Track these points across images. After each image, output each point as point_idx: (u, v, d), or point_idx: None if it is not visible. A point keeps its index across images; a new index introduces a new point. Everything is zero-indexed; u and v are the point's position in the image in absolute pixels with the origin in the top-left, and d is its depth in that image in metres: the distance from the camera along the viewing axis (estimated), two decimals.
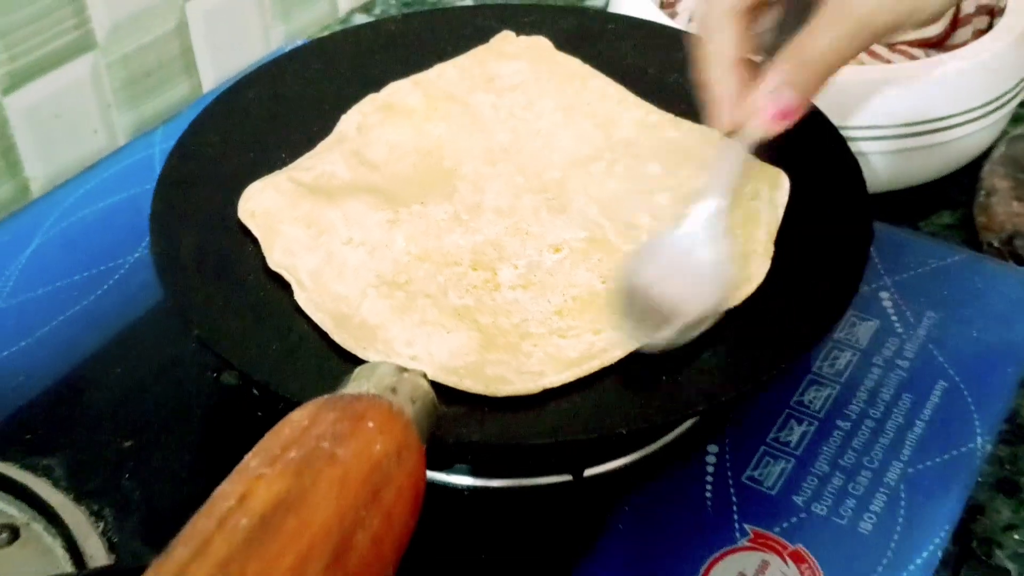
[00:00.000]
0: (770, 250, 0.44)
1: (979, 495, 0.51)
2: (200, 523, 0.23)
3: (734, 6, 0.42)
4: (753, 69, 0.42)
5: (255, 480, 0.24)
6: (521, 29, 0.56)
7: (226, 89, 0.51)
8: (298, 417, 0.26)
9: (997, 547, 0.49)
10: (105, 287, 0.50)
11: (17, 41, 0.63)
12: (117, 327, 0.48)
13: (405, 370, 0.30)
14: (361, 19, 0.85)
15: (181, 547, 0.22)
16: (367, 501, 0.24)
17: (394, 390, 0.29)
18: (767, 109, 0.41)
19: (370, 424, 0.26)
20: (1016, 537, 0.50)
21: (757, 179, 0.47)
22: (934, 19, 0.41)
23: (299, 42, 0.61)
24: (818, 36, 0.40)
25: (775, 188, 0.47)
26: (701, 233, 0.42)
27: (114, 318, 0.48)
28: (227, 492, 0.23)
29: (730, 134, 0.43)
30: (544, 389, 0.38)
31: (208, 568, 0.21)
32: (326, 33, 0.82)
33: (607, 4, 0.72)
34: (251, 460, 0.25)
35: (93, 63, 0.68)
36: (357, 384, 0.29)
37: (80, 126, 0.69)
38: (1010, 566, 0.48)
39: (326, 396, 0.28)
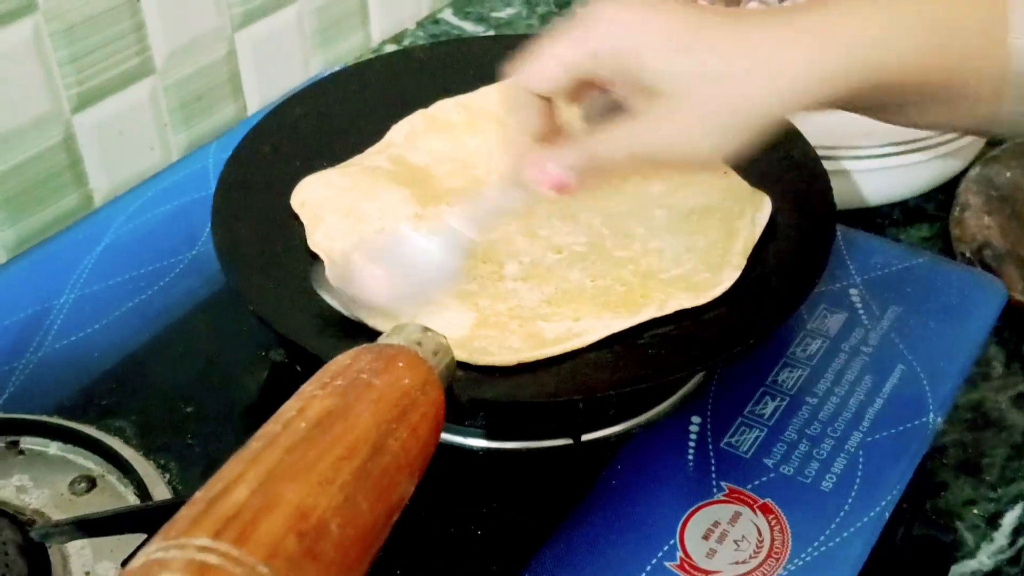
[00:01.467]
0: (742, 263, 0.49)
1: (944, 475, 0.57)
2: (268, 427, 0.29)
3: (542, 89, 0.42)
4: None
5: (310, 399, 0.30)
6: None
7: (276, 106, 0.58)
8: (342, 358, 0.33)
9: (958, 519, 0.55)
10: (167, 279, 0.56)
11: (86, 66, 0.70)
12: (178, 312, 0.54)
13: (429, 330, 0.36)
14: (392, 49, 0.92)
15: (254, 442, 0.28)
16: (397, 417, 0.30)
17: (419, 343, 0.35)
18: (543, 181, 0.42)
19: (400, 364, 0.33)
20: (975, 511, 0.55)
21: (743, 200, 0.53)
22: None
23: (338, 68, 0.68)
24: (612, 141, 0.41)
25: (757, 209, 0.52)
26: (439, 252, 0.45)
27: (175, 305, 0.54)
28: (289, 407, 0.30)
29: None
30: (519, 363, 0.44)
31: (277, 453, 0.27)
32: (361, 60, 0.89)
33: None
34: (306, 387, 0.31)
35: (152, 86, 0.75)
36: (389, 339, 0.36)
37: (139, 143, 0.76)
38: (969, 536, 0.54)
39: (365, 344, 0.34)
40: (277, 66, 0.83)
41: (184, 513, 0.26)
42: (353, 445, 0.28)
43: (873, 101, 0.41)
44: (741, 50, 0.39)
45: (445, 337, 0.37)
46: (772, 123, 0.39)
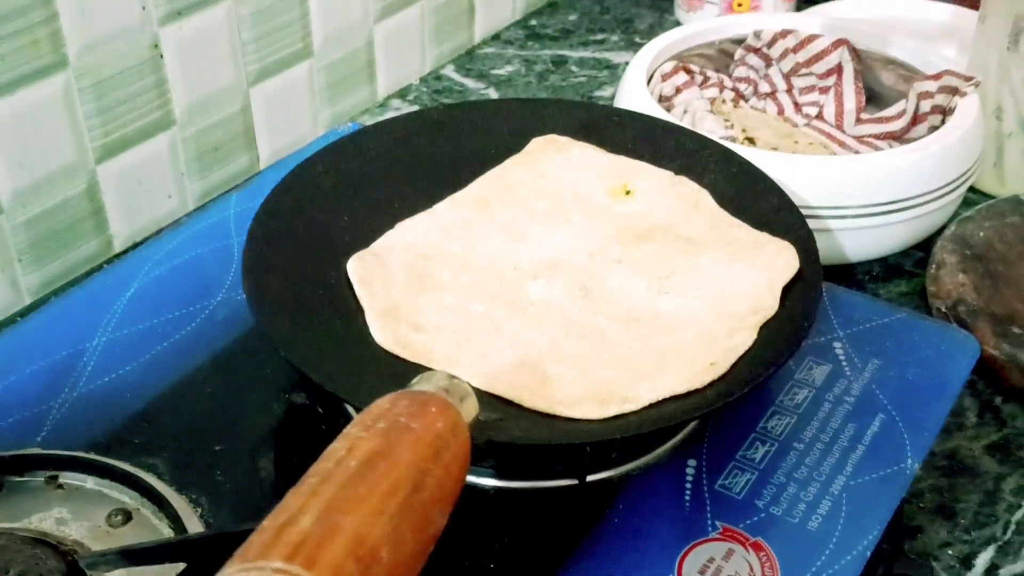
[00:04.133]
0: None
1: (921, 518, 0.60)
2: (321, 465, 0.33)
3: None
4: None
5: (356, 439, 0.34)
6: (542, 119, 0.67)
7: (299, 164, 0.61)
8: (381, 402, 0.36)
9: (934, 560, 0.58)
10: (194, 323, 0.59)
11: (111, 119, 0.74)
12: (205, 355, 0.57)
13: (455, 378, 0.40)
14: (397, 103, 0.96)
15: (311, 478, 0.32)
16: (432, 457, 0.34)
17: (447, 390, 0.39)
18: None
19: (433, 409, 0.36)
20: (950, 552, 0.58)
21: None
22: None
23: (353, 125, 0.72)
24: None
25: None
26: None
27: (202, 348, 0.57)
28: (338, 447, 0.33)
29: None
30: None
31: (332, 488, 0.31)
32: (367, 116, 0.93)
33: (613, 98, 0.83)
34: (351, 429, 0.35)
35: (171, 138, 0.78)
36: (420, 385, 0.39)
37: (157, 191, 0.79)
38: (944, 575, 0.58)
39: (400, 391, 0.38)
40: (288, 119, 0.87)
41: (256, 539, 0.29)
42: (397, 482, 0.32)
43: None
44: None
45: (468, 384, 0.41)
46: None
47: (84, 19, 0.69)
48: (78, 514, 0.49)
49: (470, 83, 0.99)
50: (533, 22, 1.09)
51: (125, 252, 0.77)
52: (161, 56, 0.75)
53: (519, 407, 0.49)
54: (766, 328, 0.53)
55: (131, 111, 0.75)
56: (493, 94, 0.97)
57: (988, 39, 0.81)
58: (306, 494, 0.31)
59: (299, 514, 0.30)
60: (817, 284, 0.54)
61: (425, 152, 0.64)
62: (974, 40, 0.83)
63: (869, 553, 0.48)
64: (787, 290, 0.55)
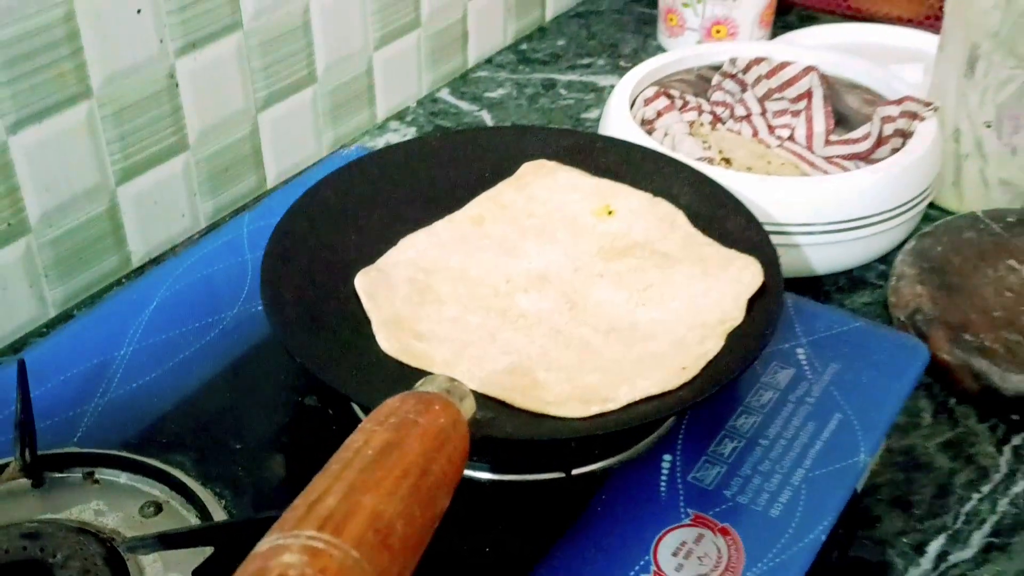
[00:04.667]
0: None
1: (879, 509, 0.66)
2: (342, 453, 0.38)
3: None
4: None
5: (372, 432, 0.39)
6: (531, 146, 0.72)
7: (309, 188, 0.67)
8: (391, 401, 0.42)
9: (890, 547, 0.64)
10: (213, 334, 0.65)
11: (131, 144, 0.79)
12: (224, 363, 0.62)
13: (454, 380, 0.45)
14: (395, 125, 1.01)
15: (334, 465, 0.37)
16: (437, 448, 0.39)
17: (448, 391, 0.44)
18: None
19: (436, 407, 0.42)
20: (905, 540, 0.64)
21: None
22: None
23: (358, 150, 0.78)
24: None
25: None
26: None
27: (221, 356, 0.63)
28: (356, 439, 0.39)
29: None
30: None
31: (353, 473, 0.36)
32: (367, 138, 0.98)
33: (599, 120, 0.89)
34: (367, 424, 0.40)
35: (185, 161, 0.83)
36: (424, 387, 0.45)
37: (171, 211, 0.84)
38: (899, 561, 0.63)
39: (407, 392, 0.43)
40: (294, 141, 0.92)
41: (290, 515, 0.35)
42: (407, 468, 0.37)
43: None
44: None
45: (466, 385, 0.46)
46: None
47: (107, 52, 0.74)
48: (113, 506, 0.54)
49: (464, 105, 1.05)
50: (524, 47, 1.15)
51: (142, 268, 0.82)
52: (177, 85, 0.80)
53: (511, 407, 0.55)
54: (733, 335, 0.59)
55: (149, 136, 0.80)
56: (486, 116, 1.03)
57: (947, 66, 0.86)
58: (331, 477, 0.36)
59: (326, 494, 0.35)
60: (779, 296, 0.60)
61: (425, 176, 0.70)
62: (934, 66, 0.88)
63: (824, 537, 0.54)
64: (753, 301, 0.61)
